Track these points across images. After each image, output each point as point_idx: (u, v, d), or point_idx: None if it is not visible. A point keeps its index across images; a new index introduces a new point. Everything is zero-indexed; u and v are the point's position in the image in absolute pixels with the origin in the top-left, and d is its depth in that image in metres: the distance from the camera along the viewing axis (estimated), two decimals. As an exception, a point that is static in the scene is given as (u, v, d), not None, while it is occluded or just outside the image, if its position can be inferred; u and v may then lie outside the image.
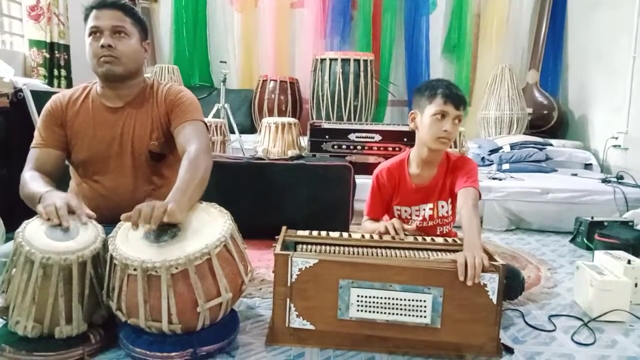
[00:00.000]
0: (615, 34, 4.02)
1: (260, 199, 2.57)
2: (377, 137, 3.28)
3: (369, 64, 4.29)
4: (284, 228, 1.66)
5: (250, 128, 4.68)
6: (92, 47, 1.58)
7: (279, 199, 2.58)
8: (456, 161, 1.81)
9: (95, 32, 1.57)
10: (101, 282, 1.37)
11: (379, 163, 1.96)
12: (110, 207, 1.58)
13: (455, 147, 3.34)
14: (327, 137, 3.32)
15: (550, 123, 4.62)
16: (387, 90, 4.92)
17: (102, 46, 1.55)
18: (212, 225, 1.39)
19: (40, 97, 2.57)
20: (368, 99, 4.36)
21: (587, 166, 4.09)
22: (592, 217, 2.73)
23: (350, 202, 2.63)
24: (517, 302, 1.86)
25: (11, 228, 2.22)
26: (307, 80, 4.61)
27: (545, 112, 4.64)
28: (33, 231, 1.31)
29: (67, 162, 1.70)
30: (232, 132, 3.87)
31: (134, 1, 4.75)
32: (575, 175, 3.65)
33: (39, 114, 2.48)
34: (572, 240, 2.82)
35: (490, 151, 3.95)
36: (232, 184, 2.52)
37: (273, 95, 4.60)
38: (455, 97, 1.69)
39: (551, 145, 4.09)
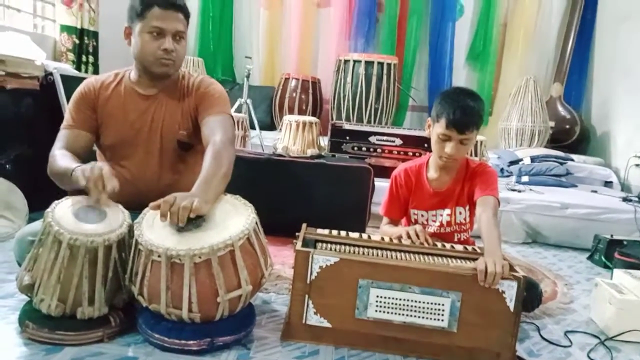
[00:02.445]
0: (644, 49, 3.97)
1: (278, 196, 2.58)
2: (398, 141, 3.28)
3: (392, 68, 4.29)
4: (304, 225, 1.67)
5: (269, 125, 4.69)
6: (150, 46, 1.58)
7: (297, 196, 2.60)
8: (475, 168, 1.80)
9: (157, 32, 1.57)
10: (124, 267, 1.39)
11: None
12: (134, 193, 1.60)
13: (476, 156, 3.32)
14: (347, 138, 3.33)
15: (572, 138, 4.58)
16: (409, 95, 4.91)
17: (166, 49, 1.57)
18: (236, 218, 1.40)
19: (69, 82, 2.61)
20: (389, 103, 4.36)
21: (608, 184, 4.04)
22: (612, 235, 2.70)
23: (368, 204, 2.63)
24: (533, 316, 1.84)
25: (35, 208, 2.28)
26: (329, 80, 4.62)
27: (568, 126, 4.60)
28: (62, 212, 1.34)
29: (94, 146, 1.73)
30: (253, 127, 3.89)
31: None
32: (595, 192, 3.61)
33: (67, 98, 2.55)
34: (589, 257, 2.79)
35: (510, 162, 3.92)
36: (251, 179, 2.53)
37: (294, 94, 4.61)
38: (460, 124, 1.63)
39: (572, 160, 4.05)
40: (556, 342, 1.66)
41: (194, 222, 1.35)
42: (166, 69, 1.61)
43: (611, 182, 4.02)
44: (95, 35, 3.85)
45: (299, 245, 1.48)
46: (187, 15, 1.64)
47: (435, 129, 1.71)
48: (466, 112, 1.64)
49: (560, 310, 1.96)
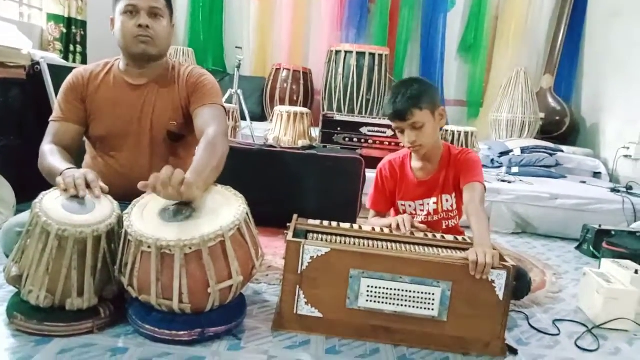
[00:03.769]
0: (634, 44, 4.00)
1: (270, 187, 2.57)
2: (389, 132, 3.28)
3: (384, 59, 4.27)
4: (295, 216, 1.67)
5: (260, 116, 4.67)
6: (126, 25, 1.57)
7: (289, 187, 2.59)
8: (458, 155, 1.80)
9: (132, 11, 1.56)
10: (114, 258, 1.38)
11: (388, 158, 1.96)
12: (124, 184, 1.58)
13: (467, 147, 3.34)
14: (339, 129, 3.32)
15: (561, 129, 4.61)
16: (400, 86, 4.90)
17: (140, 26, 1.55)
18: (227, 208, 1.40)
19: (57, 71, 2.57)
20: (381, 94, 4.34)
21: (596, 175, 4.08)
22: (600, 226, 2.73)
23: (359, 195, 2.63)
24: (522, 305, 1.86)
25: (22, 199, 2.25)
26: (320, 71, 4.60)
27: (558, 118, 4.63)
28: (50, 203, 1.32)
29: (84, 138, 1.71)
30: (243, 118, 3.87)
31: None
32: (584, 182, 3.64)
33: (55, 87, 2.51)
34: (578, 247, 2.82)
35: (500, 153, 3.94)
36: (242, 170, 2.52)
37: (285, 85, 4.59)
38: (397, 113, 1.67)
39: (562, 151, 4.08)
40: (545, 330, 1.68)
41: (184, 212, 1.35)
42: (144, 46, 1.57)
43: (600, 173, 4.06)
44: (83, 24, 3.80)
45: (290, 236, 1.48)
46: None
47: (392, 127, 1.77)
48: (397, 99, 1.67)
49: (549, 299, 1.98)
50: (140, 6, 1.55)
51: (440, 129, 1.89)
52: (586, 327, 1.73)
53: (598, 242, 2.62)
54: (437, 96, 1.77)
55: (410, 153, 1.84)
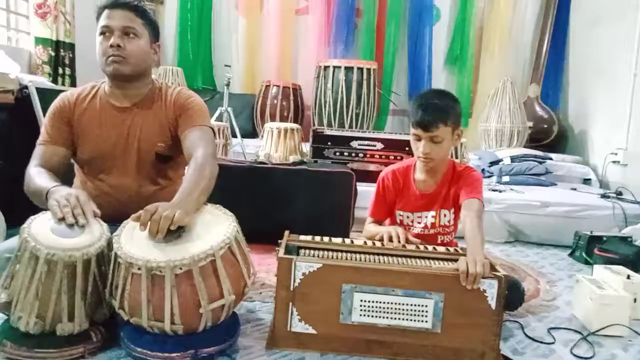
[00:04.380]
0: (616, 50, 4.06)
1: (261, 203, 2.57)
2: (379, 146, 3.30)
3: (372, 73, 4.32)
4: (286, 232, 1.67)
5: (251, 133, 4.68)
6: (101, 46, 1.59)
7: (280, 203, 2.59)
8: (461, 171, 1.82)
9: (106, 32, 1.59)
10: (104, 281, 1.37)
11: (381, 171, 1.97)
12: (113, 206, 1.59)
13: (457, 157, 3.36)
14: (329, 143, 3.33)
15: (550, 137, 4.66)
16: (389, 99, 4.95)
17: (111, 46, 1.56)
18: (217, 227, 1.40)
19: (45, 95, 2.57)
20: (370, 107, 4.38)
21: (586, 181, 4.11)
22: (592, 232, 2.74)
23: (351, 208, 2.63)
24: (517, 314, 1.86)
25: (12, 223, 2.23)
26: (310, 86, 4.63)
27: (546, 126, 4.68)
28: (39, 227, 1.31)
29: (72, 160, 1.70)
30: (234, 135, 3.88)
31: (140, 2, 4.78)
32: (575, 189, 3.67)
33: (43, 111, 2.51)
34: (570, 254, 2.83)
35: (490, 163, 3.97)
36: (233, 187, 2.51)
37: (275, 101, 4.61)
38: (424, 122, 1.67)
39: (551, 159, 4.11)
40: (540, 339, 1.68)
41: (174, 233, 1.34)
42: (116, 65, 1.58)
43: (589, 179, 4.09)
44: (71, 46, 3.80)
45: (281, 252, 1.47)
46: (140, 14, 1.63)
47: (410, 131, 1.75)
48: (430, 110, 1.68)
49: (543, 307, 1.99)
50: (113, 26, 1.57)
51: None
52: (581, 334, 1.73)
53: (590, 249, 2.63)
54: (461, 116, 1.79)
55: (414, 164, 1.86)
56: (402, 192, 1.86)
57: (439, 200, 1.82)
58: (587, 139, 4.46)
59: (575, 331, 1.76)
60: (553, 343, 1.66)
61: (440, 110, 1.68)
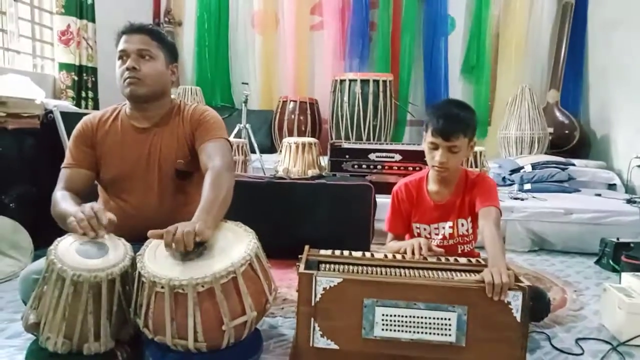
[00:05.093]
0: (636, 51, 4.00)
1: (281, 219, 2.58)
2: (397, 157, 3.29)
3: (388, 84, 4.33)
4: (306, 247, 1.66)
5: (270, 148, 4.73)
6: (120, 69, 1.65)
7: (300, 218, 2.60)
8: (475, 179, 1.81)
9: (123, 55, 1.64)
10: (129, 300, 1.39)
11: (399, 182, 1.96)
12: (137, 225, 1.61)
13: (476, 166, 3.33)
14: (347, 156, 3.34)
15: (571, 143, 4.58)
16: (406, 110, 4.95)
17: (128, 68, 1.62)
18: (237, 244, 1.41)
19: (70, 118, 2.65)
20: (387, 119, 4.39)
21: (611, 186, 4.03)
22: (618, 239, 2.67)
23: (371, 221, 2.63)
24: (543, 325, 1.83)
25: (39, 245, 2.29)
26: (326, 100, 4.66)
27: (567, 131, 4.61)
28: (65, 249, 1.35)
29: (95, 181, 1.75)
30: (253, 152, 3.92)
31: (159, 25, 4.90)
32: (599, 195, 3.60)
33: (67, 134, 2.58)
34: (597, 262, 2.76)
35: (511, 171, 3.92)
36: (253, 203, 2.55)
37: (293, 116, 4.65)
38: (444, 130, 1.66)
39: (573, 165, 4.05)
40: (568, 350, 1.64)
41: (196, 250, 1.36)
42: (133, 87, 1.62)
43: (614, 184, 4.01)
44: (94, 70, 3.92)
45: (301, 267, 1.47)
46: (155, 37, 1.68)
47: (425, 139, 1.75)
48: (449, 119, 1.67)
49: (571, 317, 1.94)
50: (129, 50, 1.63)
51: None
52: (611, 344, 1.69)
53: (617, 256, 2.57)
54: (476, 128, 1.79)
55: (427, 176, 1.85)
56: (417, 204, 1.85)
57: (455, 210, 1.80)
58: (611, 143, 4.38)
59: (605, 341, 1.72)
60: (582, 354, 1.62)
61: (461, 121, 1.68)
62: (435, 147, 1.70)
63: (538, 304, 1.65)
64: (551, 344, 1.68)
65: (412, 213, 1.87)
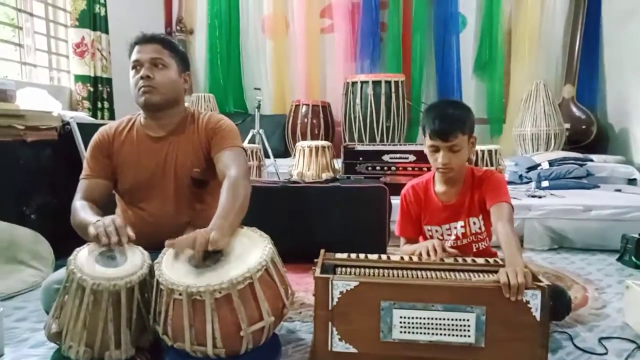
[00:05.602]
0: (654, 44, 3.93)
1: (297, 222, 2.59)
2: (412, 158, 3.28)
3: (400, 85, 4.32)
4: (322, 251, 1.66)
5: (284, 152, 4.75)
6: (133, 79, 1.68)
7: (315, 221, 2.60)
8: (481, 176, 1.79)
9: (136, 65, 1.67)
10: (148, 307, 1.41)
11: (414, 184, 1.95)
12: (154, 233, 1.63)
13: (492, 165, 3.30)
14: (361, 159, 3.34)
15: (589, 138, 4.52)
16: (419, 110, 4.92)
17: (141, 77, 1.64)
18: (253, 250, 1.42)
19: (86, 129, 2.70)
20: (400, 120, 4.38)
21: (631, 181, 3.95)
22: (640, 234, 2.63)
23: (386, 223, 2.62)
24: (564, 324, 1.80)
25: (60, 255, 2.33)
26: (339, 103, 4.67)
27: (584, 126, 4.55)
28: (84, 258, 1.37)
29: (113, 191, 1.77)
30: (267, 156, 3.94)
31: (171, 34, 4.97)
32: (619, 190, 3.53)
33: (84, 145, 2.63)
34: (619, 259, 2.71)
35: (528, 169, 3.87)
36: (268, 208, 2.55)
37: (306, 120, 4.67)
38: (441, 131, 1.65)
39: (592, 160, 3.98)
40: (591, 350, 1.61)
41: (212, 257, 1.37)
42: (147, 95, 1.65)
43: (635, 179, 3.93)
44: (109, 81, 3.99)
45: (317, 271, 1.47)
46: (167, 46, 1.70)
47: (425, 143, 1.74)
48: (445, 119, 1.66)
49: (593, 316, 1.91)
50: (142, 59, 1.66)
51: None
52: (635, 343, 1.65)
53: (639, 252, 2.52)
54: (474, 124, 1.77)
55: (433, 177, 1.84)
56: (425, 206, 1.84)
57: (465, 209, 1.79)
58: (630, 137, 4.30)
59: (629, 340, 1.68)
60: (606, 354, 1.59)
61: (457, 119, 1.67)
62: (435, 149, 1.70)
63: (558, 303, 1.62)
64: (573, 344, 1.65)
65: (421, 215, 1.86)
